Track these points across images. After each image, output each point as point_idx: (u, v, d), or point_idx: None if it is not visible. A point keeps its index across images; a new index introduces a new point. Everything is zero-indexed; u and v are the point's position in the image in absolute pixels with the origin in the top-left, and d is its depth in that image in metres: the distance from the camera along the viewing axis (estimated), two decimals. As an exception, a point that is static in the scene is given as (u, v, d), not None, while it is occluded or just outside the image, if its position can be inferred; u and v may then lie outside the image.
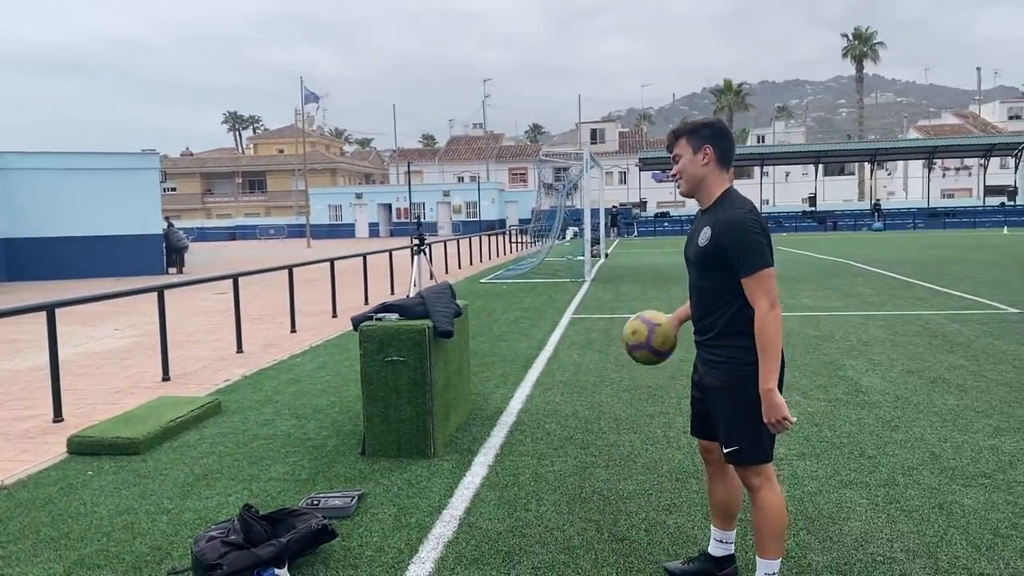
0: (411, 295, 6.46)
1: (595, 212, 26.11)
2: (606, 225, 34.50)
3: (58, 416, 6.42)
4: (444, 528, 3.98)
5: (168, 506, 4.42)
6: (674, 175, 3.15)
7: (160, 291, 8.23)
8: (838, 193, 67.95)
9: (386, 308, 5.39)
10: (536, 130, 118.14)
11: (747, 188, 63.80)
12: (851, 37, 69.72)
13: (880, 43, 69.24)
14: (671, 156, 3.15)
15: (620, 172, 69.42)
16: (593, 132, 71.64)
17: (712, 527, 3.41)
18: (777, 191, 62.74)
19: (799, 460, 4.86)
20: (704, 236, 3.01)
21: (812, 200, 54.42)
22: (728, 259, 2.91)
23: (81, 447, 5.47)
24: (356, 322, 5.35)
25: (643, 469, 4.78)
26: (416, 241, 11.35)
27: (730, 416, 2.99)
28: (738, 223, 2.90)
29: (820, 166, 55.96)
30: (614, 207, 49.54)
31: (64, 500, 4.58)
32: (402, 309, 5.35)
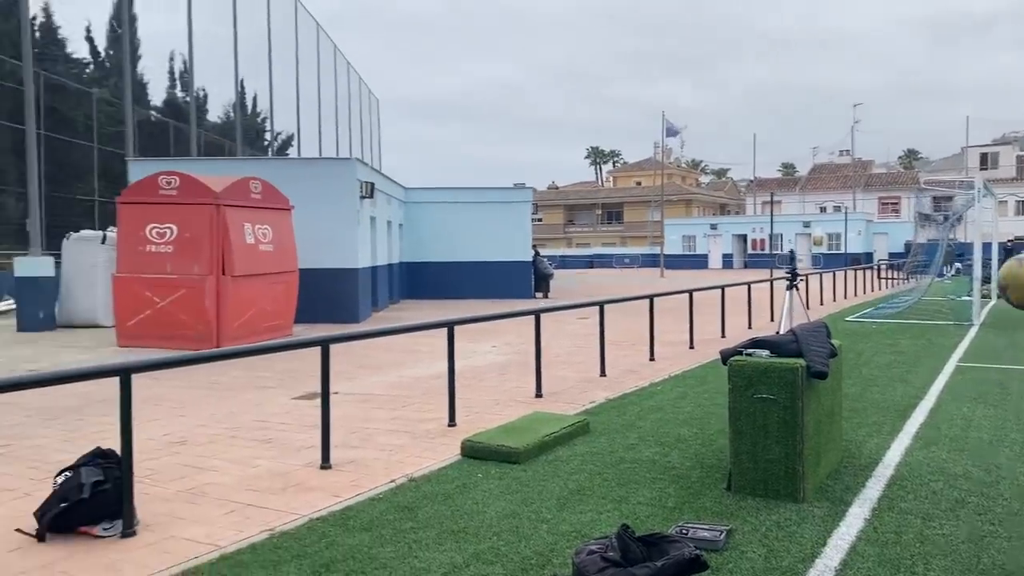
0: (781, 331, 6.31)
1: (987, 247, 23.11)
2: (1000, 261, 30.37)
3: (452, 421, 7.29)
4: (818, 578, 3.81)
5: (547, 515, 4.79)
6: None
7: (537, 315, 8.98)
8: None
9: (756, 344, 5.33)
10: (911, 155, 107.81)
11: None
12: None
13: None
14: None
15: (1017, 201, 60.73)
16: (983, 156, 63.69)
17: None
18: None
19: None
20: None
21: None
22: None
23: (472, 451, 6.16)
24: (725, 356, 5.36)
25: (1058, 547, 4.15)
26: (788, 276, 11.02)
27: None
28: None
29: None
30: (1010, 241, 43.34)
31: (460, 497, 5.18)
32: (774, 346, 5.25)
